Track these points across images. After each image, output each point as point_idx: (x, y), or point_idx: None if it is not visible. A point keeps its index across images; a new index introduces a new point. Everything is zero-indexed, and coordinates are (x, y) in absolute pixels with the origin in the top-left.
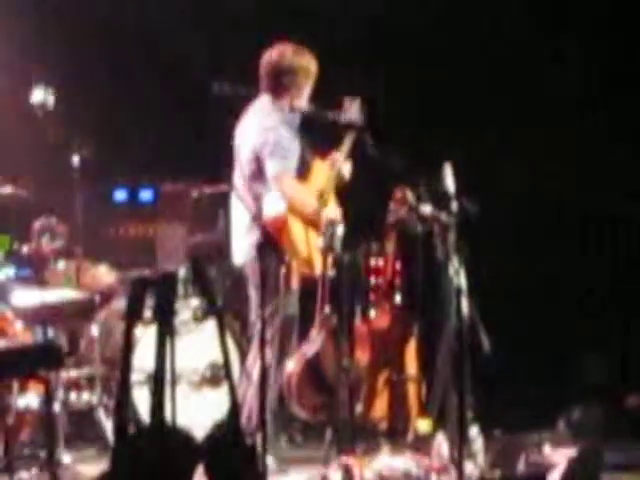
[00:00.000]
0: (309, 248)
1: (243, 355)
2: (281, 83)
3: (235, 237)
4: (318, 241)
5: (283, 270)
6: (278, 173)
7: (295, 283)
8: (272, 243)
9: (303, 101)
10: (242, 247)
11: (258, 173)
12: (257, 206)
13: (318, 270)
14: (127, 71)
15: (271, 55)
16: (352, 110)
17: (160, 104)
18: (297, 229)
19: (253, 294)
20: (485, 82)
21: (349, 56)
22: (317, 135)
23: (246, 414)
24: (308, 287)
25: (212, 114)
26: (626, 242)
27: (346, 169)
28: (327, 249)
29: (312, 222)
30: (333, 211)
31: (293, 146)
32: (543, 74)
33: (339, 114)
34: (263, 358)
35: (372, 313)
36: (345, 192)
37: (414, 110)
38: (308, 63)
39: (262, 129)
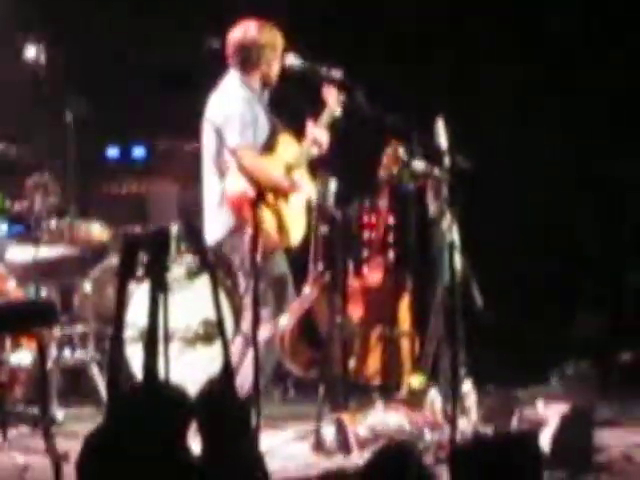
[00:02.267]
0: (280, 219)
1: (236, 312)
2: (249, 60)
3: (206, 216)
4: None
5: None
6: (236, 147)
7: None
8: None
9: (273, 76)
10: (214, 226)
11: (221, 148)
12: (221, 183)
13: (294, 239)
14: (121, 25)
15: (236, 33)
16: (331, 94)
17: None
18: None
19: (236, 267)
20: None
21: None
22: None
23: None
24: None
25: (206, 70)
26: (619, 200)
27: (324, 139)
28: (320, 205)
29: (280, 192)
30: (306, 185)
31: (260, 122)
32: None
33: (333, 70)
34: (255, 318)
35: (365, 269)
36: (337, 147)
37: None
38: (273, 37)
39: (224, 104)
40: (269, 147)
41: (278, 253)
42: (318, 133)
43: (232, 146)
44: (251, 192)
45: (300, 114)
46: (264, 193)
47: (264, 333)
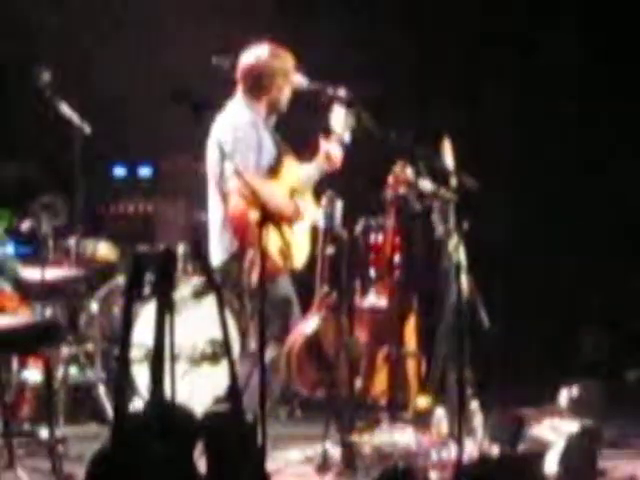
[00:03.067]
0: (284, 244)
1: (242, 332)
2: (260, 85)
3: (211, 238)
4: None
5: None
6: (236, 169)
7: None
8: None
9: (284, 102)
10: (217, 250)
11: (225, 171)
12: (225, 206)
13: (298, 262)
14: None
15: (248, 57)
16: (339, 116)
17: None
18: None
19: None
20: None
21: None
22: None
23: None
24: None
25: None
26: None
27: (337, 155)
28: (326, 226)
29: (284, 218)
30: (311, 209)
31: (265, 147)
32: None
33: (338, 89)
34: (262, 338)
35: (371, 290)
36: (344, 168)
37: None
38: (286, 63)
39: (229, 127)
40: (274, 171)
41: (282, 275)
42: (331, 148)
43: (232, 169)
44: (254, 214)
45: (306, 133)
46: (269, 214)
47: (269, 354)
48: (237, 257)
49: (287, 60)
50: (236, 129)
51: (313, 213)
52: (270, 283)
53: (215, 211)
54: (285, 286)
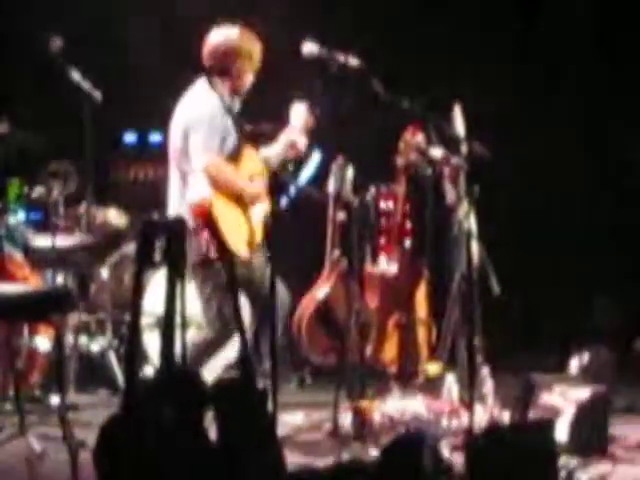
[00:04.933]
0: (241, 227)
1: (253, 299)
2: (223, 66)
3: (169, 212)
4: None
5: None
6: (201, 149)
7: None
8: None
9: (245, 86)
10: None
11: (186, 150)
12: (183, 184)
13: (243, 250)
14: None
15: (217, 37)
16: (299, 112)
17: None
18: (224, 210)
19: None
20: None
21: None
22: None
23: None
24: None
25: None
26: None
27: (301, 143)
28: (337, 192)
29: (242, 201)
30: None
31: (227, 129)
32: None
33: (350, 57)
34: (274, 299)
35: (382, 256)
36: (355, 134)
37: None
38: (253, 46)
39: (194, 107)
40: (234, 158)
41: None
42: (296, 137)
43: (198, 150)
44: (213, 197)
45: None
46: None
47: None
48: (194, 235)
49: (254, 44)
50: (201, 111)
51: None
52: (219, 265)
53: (173, 189)
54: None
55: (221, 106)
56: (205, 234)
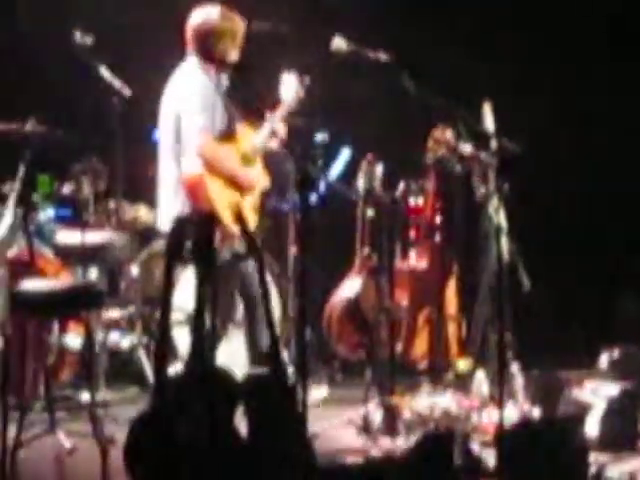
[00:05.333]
0: (231, 206)
1: (283, 294)
2: (207, 46)
3: (161, 203)
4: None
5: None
6: (195, 130)
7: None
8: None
9: (230, 64)
10: (168, 214)
11: (178, 132)
12: (178, 169)
13: (250, 225)
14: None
15: (196, 17)
16: (289, 84)
17: None
18: (217, 189)
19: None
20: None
21: None
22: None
23: None
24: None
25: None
26: None
27: (281, 132)
28: (367, 189)
29: (233, 181)
30: (260, 175)
31: (217, 108)
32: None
33: (379, 53)
34: (303, 300)
35: (412, 252)
36: (384, 130)
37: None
38: (234, 24)
39: (184, 88)
40: (227, 135)
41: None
42: (276, 126)
43: (191, 130)
44: (207, 177)
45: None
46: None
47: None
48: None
49: (236, 23)
50: (190, 91)
51: (263, 181)
52: (220, 249)
53: (167, 175)
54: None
55: (209, 85)
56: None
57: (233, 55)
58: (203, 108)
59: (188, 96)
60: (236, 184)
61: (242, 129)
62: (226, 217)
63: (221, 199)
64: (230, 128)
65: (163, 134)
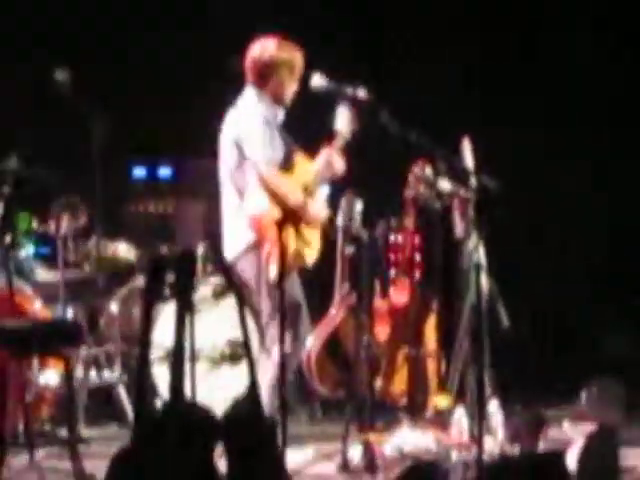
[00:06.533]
0: (297, 240)
1: (262, 332)
2: (263, 77)
3: (225, 232)
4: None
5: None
6: (259, 161)
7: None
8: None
9: (288, 96)
10: (232, 243)
11: (240, 164)
12: (240, 199)
13: (309, 260)
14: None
15: (255, 49)
16: (344, 116)
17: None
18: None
19: (251, 287)
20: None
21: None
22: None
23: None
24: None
25: (231, 92)
26: None
27: (339, 164)
28: (346, 225)
29: (296, 214)
30: (321, 207)
31: (275, 140)
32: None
33: (358, 89)
34: (282, 341)
35: (391, 289)
36: (363, 167)
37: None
38: (292, 57)
39: (245, 119)
40: (287, 168)
41: (292, 276)
42: (333, 158)
43: (255, 160)
44: (274, 213)
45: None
46: (289, 212)
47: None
48: (253, 249)
49: (294, 55)
50: (250, 123)
51: (324, 211)
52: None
53: (229, 205)
54: (295, 287)
55: (268, 116)
56: (266, 247)
57: (290, 88)
58: (265, 139)
59: (250, 127)
60: (298, 215)
61: (301, 161)
62: (294, 250)
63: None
64: (288, 160)
65: (223, 165)
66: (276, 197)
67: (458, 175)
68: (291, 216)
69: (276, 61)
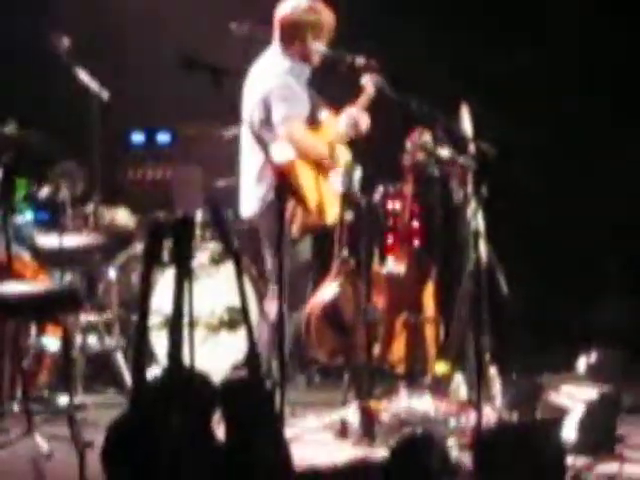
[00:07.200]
0: (320, 195)
1: (260, 298)
2: (291, 35)
3: (243, 189)
4: (334, 185)
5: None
6: (286, 116)
7: (301, 231)
8: (287, 186)
9: (315, 55)
10: (250, 199)
11: (266, 119)
12: (266, 153)
13: (330, 218)
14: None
15: (285, 7)
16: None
17: None
18: (306, 176)
19: (266, 245)
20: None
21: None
22: (330, 88)
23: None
24: (325, 230)
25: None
26: None
27: (364, 121)
28: (345, 192)
29: (322, 167)
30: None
31: (302, 96)
32: None
33: (357, 57)
34: (281, 301)
35: (390, 256)
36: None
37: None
38: (320, 19)
39: (271, 75)
40: (312, 124)
41: (304, 241)
42: (358, 115)
43: (282, 116)
44: (300, 163)
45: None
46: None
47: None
48: (272, 207)
49: (323, 15)
50: (275, 76)
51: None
52: (298, 241)
53: (251, 163)
54: (305, 250)
55: (293, 73)
56: (291, 203)
57: (317, 47)
58: (290, 94)
59: (274, 83)
60: (323, 168)
61: (328, 118)
62: (311, 201)
63: (311, 187)
64: (314, 117)
65: (247, 122)
66: (301, 150)
67: (457, 142)
68: (316, 168)
69: (304, 21)
